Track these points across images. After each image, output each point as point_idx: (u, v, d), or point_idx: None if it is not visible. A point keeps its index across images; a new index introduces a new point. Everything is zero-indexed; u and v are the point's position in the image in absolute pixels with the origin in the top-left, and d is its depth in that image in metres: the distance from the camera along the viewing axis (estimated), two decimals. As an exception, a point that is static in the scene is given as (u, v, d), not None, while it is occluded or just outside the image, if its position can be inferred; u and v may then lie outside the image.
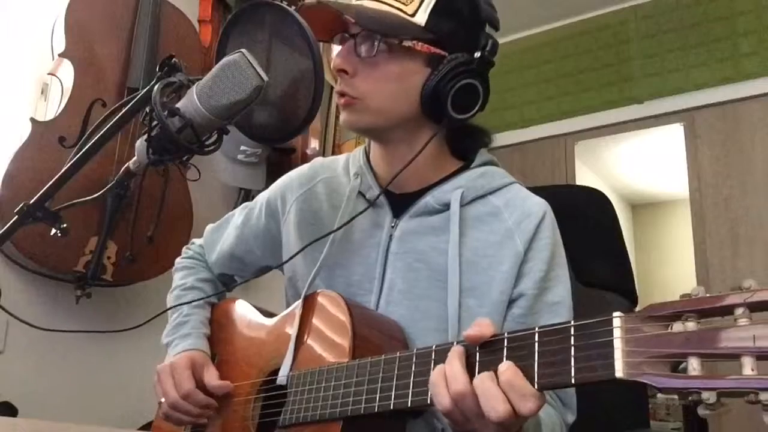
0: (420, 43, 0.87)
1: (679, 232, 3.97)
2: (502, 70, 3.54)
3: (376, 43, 0.87)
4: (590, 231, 1.51)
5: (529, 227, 0.90)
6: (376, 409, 0.71)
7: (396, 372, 0.70)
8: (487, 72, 0.91)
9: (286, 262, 1.01)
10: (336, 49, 0.95)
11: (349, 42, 0.90)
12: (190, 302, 1.09)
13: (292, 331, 0.90)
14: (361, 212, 0.94)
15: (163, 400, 0.97)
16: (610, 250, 1.63)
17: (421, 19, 0.87)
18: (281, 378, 0.87)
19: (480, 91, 0.89)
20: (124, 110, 0.82)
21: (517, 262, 0.89)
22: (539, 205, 0.94)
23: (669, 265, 4.32)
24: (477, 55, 0.88)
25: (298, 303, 0.92)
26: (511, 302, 0.88)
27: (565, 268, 0.93)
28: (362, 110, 0.91)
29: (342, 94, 0.91)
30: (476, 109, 0.90)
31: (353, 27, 0.90)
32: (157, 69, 0.80)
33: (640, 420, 1.50)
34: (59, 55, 1.85)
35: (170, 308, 1.09)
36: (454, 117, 0.88)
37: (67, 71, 1.87)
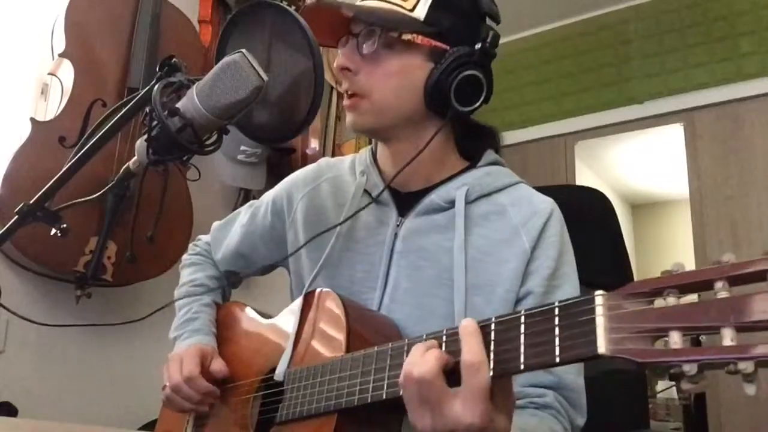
0: (420, 37, 0.88)
1: (679, 232, 3.97)
2: (502, 70, 3.54)
3: (376, 39, 0.88)
4: (590, 231, 1.51)
5: (535, 225, 0.90)
6: (369, 400, 0.71)
7: (388, 362, 0.70)
8: (489, 63, 0.91)
9: (289, 256, 1.01)
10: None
11: (352, 41, 0.91)
12: (198, 285, 1.13)
13: (290, 328, 0.90)
14: (365, 207, 0.94)
15: (167, 383, 0.98)
16: (610, 250, 1.63)
17: (420, 13, 0.88)
18: (278, 375, 0.87)
19: (483, 82, 0.90)
20: (124, 110, 0.82)
21: (524, 261, 0.88)
22: (546, 203, 0.94)
23: (669, 265, 4.31)
24: (478, 46, 0.89)
25: (298, 301, 0.92)
26: (519, 300, 0.88)
27: (573, 266, 0.93)
28: (367, 110, 0.91)
29: (347, 96, 0.92)
30: (480, 101, 0.90)
31: (355, 27, 0.91)
32: (157, 69, 0.80)
33: (640, 420, 1.50)
34: (59, 55, 1.85)
35: (178, 298, 1.12)
36: (459, 109, 0.89)
37: (67, 71, 1.87)
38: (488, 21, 0.93)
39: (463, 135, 0.99)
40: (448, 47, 0.89)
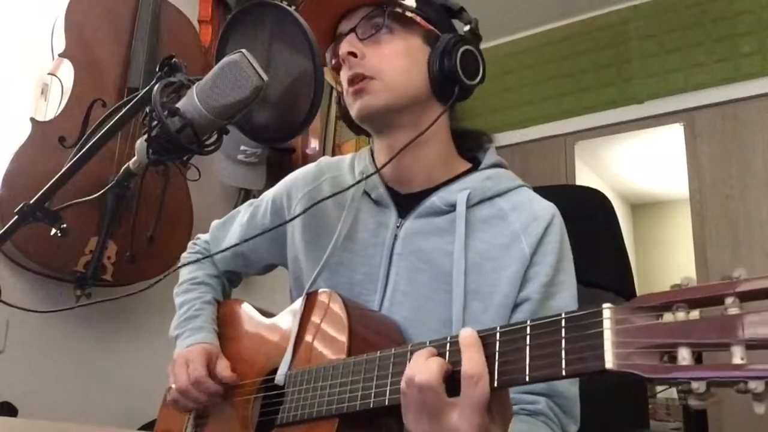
0: (419, 18, 0.92)
1: (679, 232, 3.96)
2: (502, 70, 3.54)
3: (380, 21, 0.91)
4: (590, 231, 1.51)
5: (536, 231, 0.90)
6: (371, 405, 0.71)
7: (391, 369, 0.70)
8: (478, 44, 0.95)
9: (283, 224, 1.02)
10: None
11: (348, 36, 0.93)
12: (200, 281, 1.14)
13: (291, 330, 0.90)
14: (352, 185, 0.95)
15: (173, 385, 0.97)
16: (610, 251, 1.63)
17: (411, 1, 0.93)
18: (279, 378, 0.87)
19: (480, 59, 0.94)
20: (124, 110, 0.82)
21: (524, 266, 0.88)
22: (547, 209, 0.93)
23: (669, 266, 4.32)
24: (466, 28, 0.95)
25: (299, 302, 0.92)
26: (516, 306, 0.88)
27: (572, 274, 0.92)
28: (377, 89, 0.91)
29: (353, 80, 0.91)
30: (479, 77, 0.94)
31: (347, 23, 0.94)
32: (157, 69, 0.80)
33: (640, 420, 1.50)
34: (59, 55, 1.85)
35: (182, 265, 1.15)
36: (467, 83, 0.91)
37: (67, 71, 1.87)
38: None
39: (458, 135, 1.00)
40: (439, 33, 0.93)
